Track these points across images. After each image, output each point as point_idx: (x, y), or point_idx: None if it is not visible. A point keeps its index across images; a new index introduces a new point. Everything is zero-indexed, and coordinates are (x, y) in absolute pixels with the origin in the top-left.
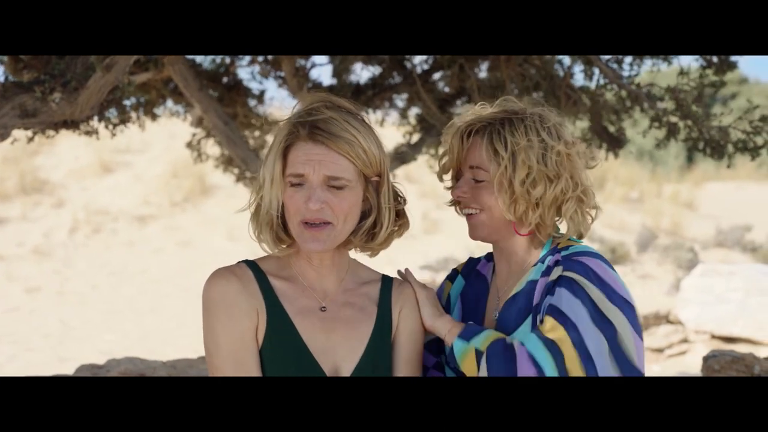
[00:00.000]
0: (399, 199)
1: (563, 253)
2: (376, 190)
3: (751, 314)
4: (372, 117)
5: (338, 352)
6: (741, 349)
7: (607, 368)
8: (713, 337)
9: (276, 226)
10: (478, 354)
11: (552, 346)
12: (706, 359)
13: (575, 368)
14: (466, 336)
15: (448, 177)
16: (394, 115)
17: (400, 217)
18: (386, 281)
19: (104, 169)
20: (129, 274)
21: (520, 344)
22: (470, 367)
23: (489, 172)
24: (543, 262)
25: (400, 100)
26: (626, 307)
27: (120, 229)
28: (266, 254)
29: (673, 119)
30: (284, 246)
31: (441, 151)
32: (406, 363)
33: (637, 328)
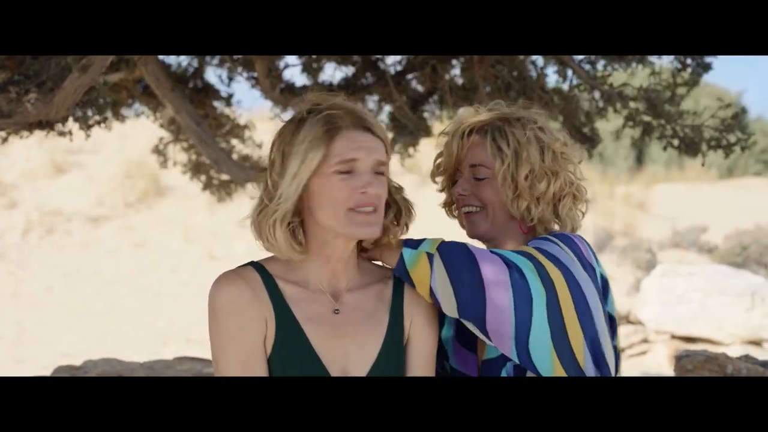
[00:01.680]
0: (402, 192)
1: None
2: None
3: (710, 314)
4: None
5: (349, 359)
6: (700, 349)
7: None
8: (673, 337)
9: (291, 225)
10: (430, 256)
11: (527, 255)
12: (678, 359)
13: (553, 271)
14: (412, 244)
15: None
16: None
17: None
18: (399, 281)
19: (57, 170)
20: (83, 275)
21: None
22: (423, 272)
23: (491, 168)
24: None
25: (372, 101)
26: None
27: (74, 230)
28: (272, 255)
29: (647, 119)
30: (299, 249)
31: (436, 153)
32: (417, 370)
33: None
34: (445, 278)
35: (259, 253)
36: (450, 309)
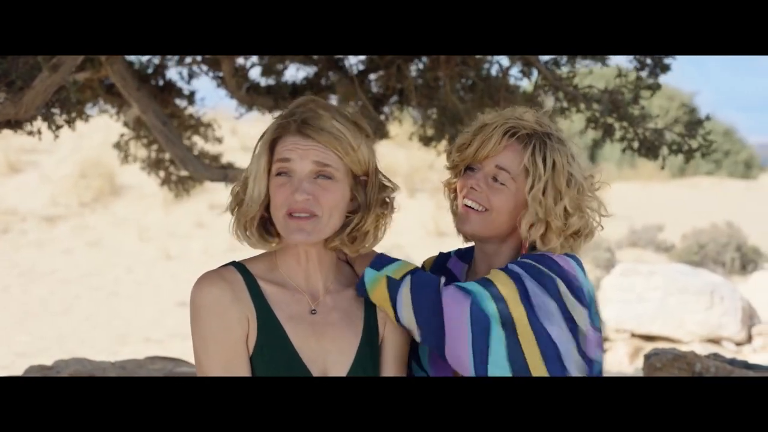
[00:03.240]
0: (388, 192)
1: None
2: (364, 189)
3: (670, 313)
4: None
5: (328, 358)
6: (660, 347)
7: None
8: (633, 335)
9: (262, 220)
10: (391, 282)
11: (484, 282)
12: (647, 357)
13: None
14: (377, 265)
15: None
16: None
17: (386, 213)
18: None
19: (11, 169)
20: (39, 275)
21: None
22: (381, 296)
23: (515, 181)
24: None
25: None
26: (576, 290)
27: (29, 229)
28: (254, 255)
29: (609, 120)
30: (272, 243)
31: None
32: (389, 369)
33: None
34: (409, 307)
35: (215, 253)
36: (415, 335)
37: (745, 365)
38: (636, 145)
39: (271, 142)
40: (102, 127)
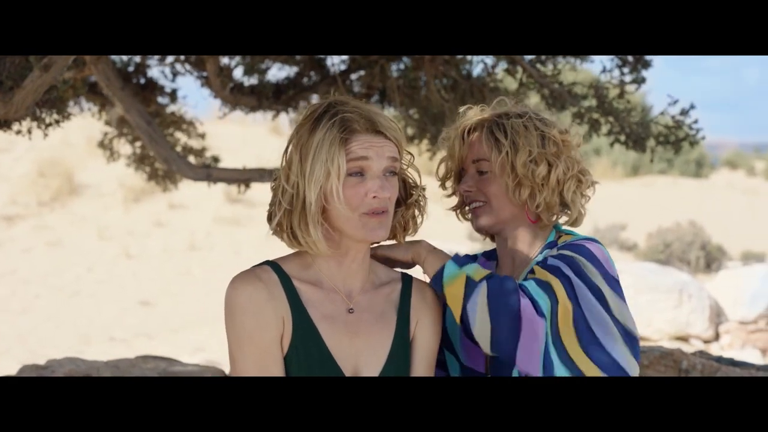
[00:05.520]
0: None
1: (560, 244)
2: (403, 180)
3: (639, 312)
4: (293, 117)
5: (361, 358)
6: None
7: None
8: None
9: (324, 227)
10: (470, 281)
11: (544, 285)
12: None
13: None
14: (459, 262)
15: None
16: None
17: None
18: (406, 283)
19: None
20: None
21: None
22: (456, 291)
23: (491, 161)
24: (541, 253)
25: (315, 100)
26: (615, 284)
27: None
28: (287, 254)
29: (595, 116)
30: (333, 248)
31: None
32: (418, 369)
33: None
34: (485, 312)
35: (175, 252)
36: (484, 345)
37: (732, 362)
38: (623, 138)
39: (342, 142)
40: (60, 126)
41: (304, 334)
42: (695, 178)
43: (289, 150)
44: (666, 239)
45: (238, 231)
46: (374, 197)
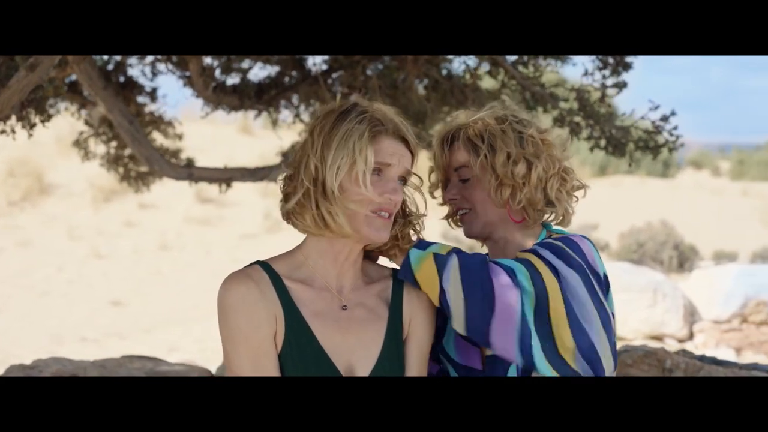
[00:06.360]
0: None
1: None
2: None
3: (614, 310)
4: (275, 117)
5: (354, 354)
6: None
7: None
8: None
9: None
10: (438, 258)
11: (524, 261)
12: (618, 354)
13: (550, 280)
14: (421, 246)
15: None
16: (284, 114)
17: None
18: (398, 280)
19: None
20: None
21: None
22: (428, 272)
23: (471, 167)
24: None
25: (296, 100)
26: (596, 276)
27: None
28: (278, 254)
29: (576, 119)
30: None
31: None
32: (412, 366)
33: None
34: (458, 286)
35: (145, 252)
36: (457, 324)
37: (714, 361)
38: (603, 143)
39: (370, 138)
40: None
41: (297, 332)
42: (662, 178)
43: (312, 134)
44: (639, 239)
45: (208, 231)
46: (389, 198)
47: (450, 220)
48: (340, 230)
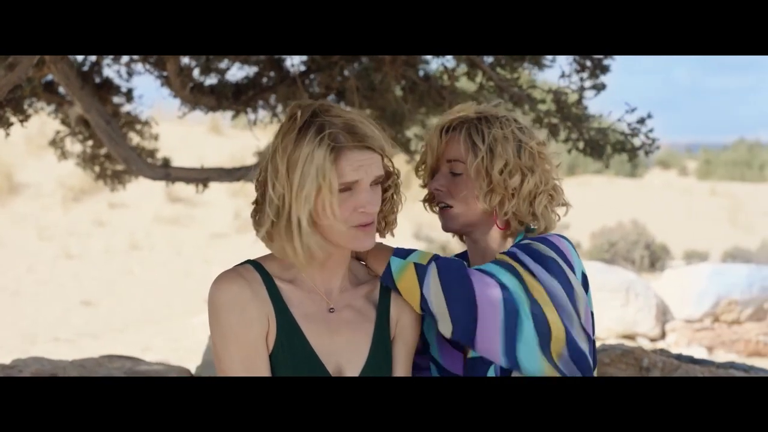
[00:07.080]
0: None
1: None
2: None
3: None
4: (252, 118)
5: (343, 356)
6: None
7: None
8: None
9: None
10: (419, 267)
11: (501, 263)
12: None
13: (532, 283)
14: (401, 254)
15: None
16: (261, 114)
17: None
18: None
19: None
20: None
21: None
22: (409, 282)
23: (466, 163)
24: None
25: (273, 100)
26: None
27: None
28: (269, 253)
29: (554, 120)
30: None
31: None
32: (398, 368)
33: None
34: (438, 291)
35: (116, 252)
36: (444, 327)
37: (691, 360)
38: (581, 145)
39: (331, 160)
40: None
41: (289, 333)
42: (631, 177)
43: (275, 157)
44: (610, 239)
45: (178, 230)
46: (362, 212)
47: (428, 205)
48: (298, 261)
